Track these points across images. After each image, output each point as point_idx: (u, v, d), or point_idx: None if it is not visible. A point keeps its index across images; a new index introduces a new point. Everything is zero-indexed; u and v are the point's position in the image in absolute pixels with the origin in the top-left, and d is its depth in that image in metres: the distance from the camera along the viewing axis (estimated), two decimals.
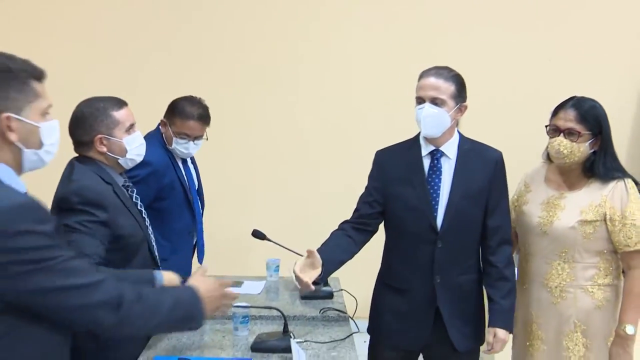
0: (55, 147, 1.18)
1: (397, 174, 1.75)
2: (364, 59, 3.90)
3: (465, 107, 1.70)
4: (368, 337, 1.93)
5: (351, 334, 1.81)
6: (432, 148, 1.72)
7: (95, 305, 0.99)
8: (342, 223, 1.82)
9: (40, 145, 1.11)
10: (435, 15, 3.82)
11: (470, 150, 1.73)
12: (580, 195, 1.74)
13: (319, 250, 1.66)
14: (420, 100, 1.68)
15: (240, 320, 1.77)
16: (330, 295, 2.13)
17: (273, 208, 3.59)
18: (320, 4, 3.80)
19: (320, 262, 1.61)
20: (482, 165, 1.71)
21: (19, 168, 1.09)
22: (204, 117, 2.26)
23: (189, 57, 3.87)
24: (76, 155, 1.69)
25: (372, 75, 3.82)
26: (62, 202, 1.60)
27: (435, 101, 1.64)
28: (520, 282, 1.88)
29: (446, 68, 1.70)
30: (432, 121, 1.65)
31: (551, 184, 1.81)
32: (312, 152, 3.76)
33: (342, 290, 2.21)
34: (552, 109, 1.79)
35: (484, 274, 1.78)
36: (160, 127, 2.32)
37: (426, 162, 1.73)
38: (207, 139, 2.38)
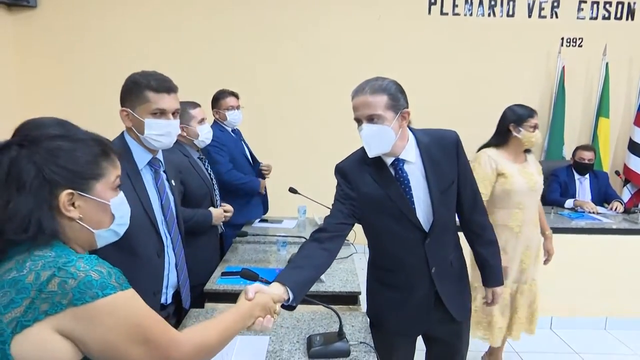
0: (162, 139, 1.59)
1: (369, 186, 1.62)
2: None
3: (408, 113, 1.57)
4: (363, 256, 2.20)
5: (351, 254, 2.47)
6: (392, 159, 1.61)
7: None
8: (316, 232, 1.61)
9: (143, 133, 1.57)
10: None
11: (429, 143, 1.63)
12: (530, 165, 2.55)
13: (290, 270, 1.46)
14: (358, 122, 1.57)
15: (281, 244, 2.53)
16: None
17: (303, 171, 4.60)
18: None
19: (284, 294, 1.35)
20: (445, 153, 1.63)
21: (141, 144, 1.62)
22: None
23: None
24: None
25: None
26: None
27: (371, 119, 1.52)
28: (513, 230, 2.50)
29: (376, 79, 1.56)
30: (375, 140, 1.54)
31: (510, 161, 2.50)
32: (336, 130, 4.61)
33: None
34: (521, 112, 2.49)
35: (474, 244, 1.79)
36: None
37: (392, 171, 1.62)
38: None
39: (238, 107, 3.09)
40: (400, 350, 1.78)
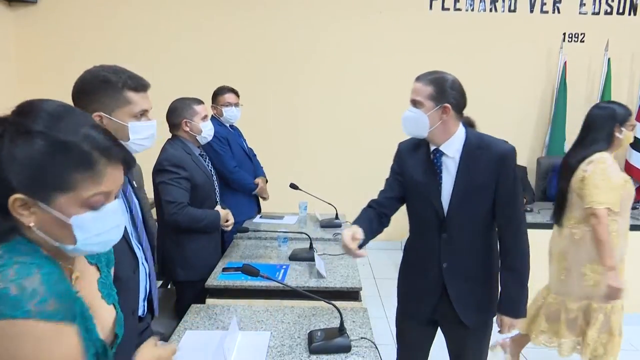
0: (147, 142, 1.41)
1: (412, 167, 1.75)
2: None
3: (448, 108, 1.62)
4: (366, 254, 2.39)
5: None
6: (434, 147, 1.70)
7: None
8: (371, 201, 1.84)
9: (127, 139, 1.35)
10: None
11: (477, 148, 1.66)
12: None
13: (358, 222, 1.71)
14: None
15: (282, 240, 2.53)
16: (340, 225, 2.94)
17: (305, 168, 4.68)
18: None
19: (361, 234, 1.61)
20: (487, 163, 1.64)
21: None
22: None
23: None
24: (170, 136, 2.39)
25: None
26: (158, 165, 2.23)
27: (414, 103, 1.65)
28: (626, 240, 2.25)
29: (436, 72, 1.67)
30: (409, 123, 1.67)
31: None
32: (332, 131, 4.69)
33: (347, 222, 2.99)
34: (623, 111, 2.23)
35: (501, 264, 1.74)
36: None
37: (432, 158, 1.72)
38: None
39: (237, 105, 3.09)
40: (411, 332, 1.88)
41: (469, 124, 1.83)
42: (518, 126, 4.91)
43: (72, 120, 0.79)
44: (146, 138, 1.42)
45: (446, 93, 1.63)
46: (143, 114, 1.41)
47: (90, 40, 4.78)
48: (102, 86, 1.35)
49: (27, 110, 0.78)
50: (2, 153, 0.74)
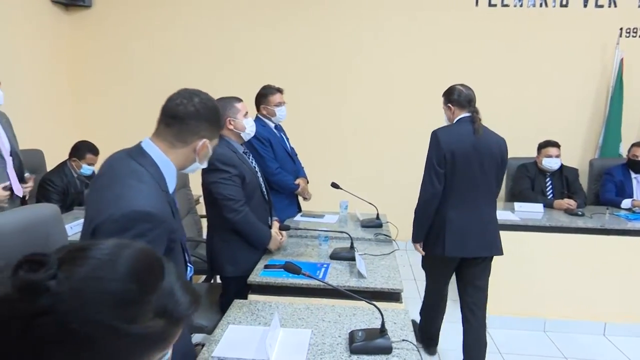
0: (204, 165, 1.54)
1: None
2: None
3: (446, 108, 2.57)
4: (405, 253, 2.52)
5: (394, 251, 2.48)
6: None
7: None
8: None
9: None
10: None
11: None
12: None
13: None
14: None
15: (323, 239, 2.53)
16: (380, 225, 2.91)
17: (346, 167, 4.66)
18: None
19: None
20: None
21: (182, 166, 1.43)
22: None
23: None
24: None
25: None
26: (209, 165, 2.12)
27: None
28: None
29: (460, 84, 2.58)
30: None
31: None
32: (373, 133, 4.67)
33: (388, 222, 2.98)
34: None
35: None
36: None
37: None
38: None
39: (284, 103, 3.12)
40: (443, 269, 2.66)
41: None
42: (569, 126, 4.71)
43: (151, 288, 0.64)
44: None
45: (447, 98, 2.63)
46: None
47: (141, 42, 4.97)
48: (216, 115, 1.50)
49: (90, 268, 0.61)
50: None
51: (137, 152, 1.37)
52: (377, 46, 4.84)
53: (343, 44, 4.86)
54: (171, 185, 1.42)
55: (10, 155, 2.78)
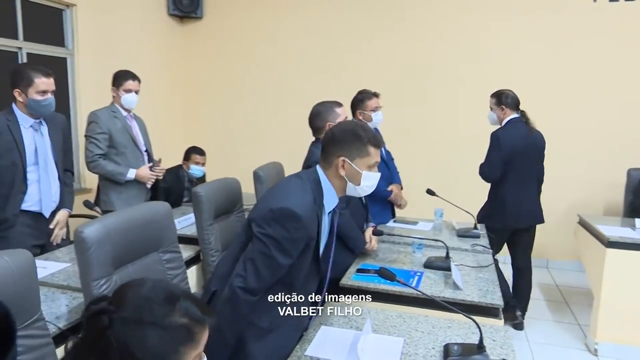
0: (370, 189, 1.65)
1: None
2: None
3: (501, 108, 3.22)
4: (504, 267, 2.49)
5: (492, 263, 2.35)
6: None
7: None
8: None
9: (358, 183, 1.60)
10: None
11: None
12: None
13: None
14: None
15: (417, 246, 2.47)
16: (478, 236, 2.79)
17: (442, 174, 4.54)
18: None
19: None
20: None
21: (341, 192, 1.63)
22: None
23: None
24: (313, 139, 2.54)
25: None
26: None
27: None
28: None
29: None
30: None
31: None
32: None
33: (487, 232, 2.87)
34: None
35: None
36: None
37: None
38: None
39: (380, 108, 3.10)
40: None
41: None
42: None
43: (166, 300, 0.88)
44: (371, 186, 1.65)
45: (495, 101, 3.31)
46: (374, 165, 1.64)
47: (249, 50, 5.25)
48: (353, 138, 1.60)
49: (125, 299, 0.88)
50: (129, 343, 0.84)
51: (308, 171, 1.66)
52: (483, 47, 4.62)
53: (443, 42, 4.73)
54: (328, 205, 1.63)
55: (146, 151, 3.23)
